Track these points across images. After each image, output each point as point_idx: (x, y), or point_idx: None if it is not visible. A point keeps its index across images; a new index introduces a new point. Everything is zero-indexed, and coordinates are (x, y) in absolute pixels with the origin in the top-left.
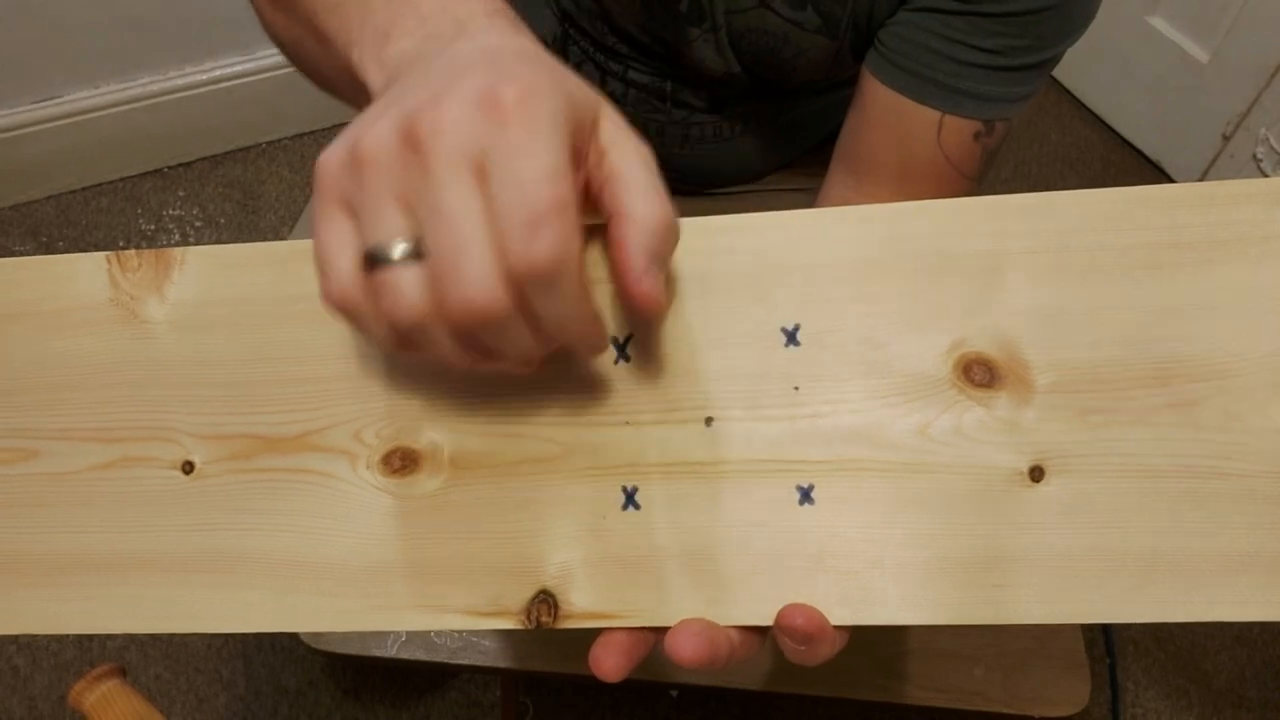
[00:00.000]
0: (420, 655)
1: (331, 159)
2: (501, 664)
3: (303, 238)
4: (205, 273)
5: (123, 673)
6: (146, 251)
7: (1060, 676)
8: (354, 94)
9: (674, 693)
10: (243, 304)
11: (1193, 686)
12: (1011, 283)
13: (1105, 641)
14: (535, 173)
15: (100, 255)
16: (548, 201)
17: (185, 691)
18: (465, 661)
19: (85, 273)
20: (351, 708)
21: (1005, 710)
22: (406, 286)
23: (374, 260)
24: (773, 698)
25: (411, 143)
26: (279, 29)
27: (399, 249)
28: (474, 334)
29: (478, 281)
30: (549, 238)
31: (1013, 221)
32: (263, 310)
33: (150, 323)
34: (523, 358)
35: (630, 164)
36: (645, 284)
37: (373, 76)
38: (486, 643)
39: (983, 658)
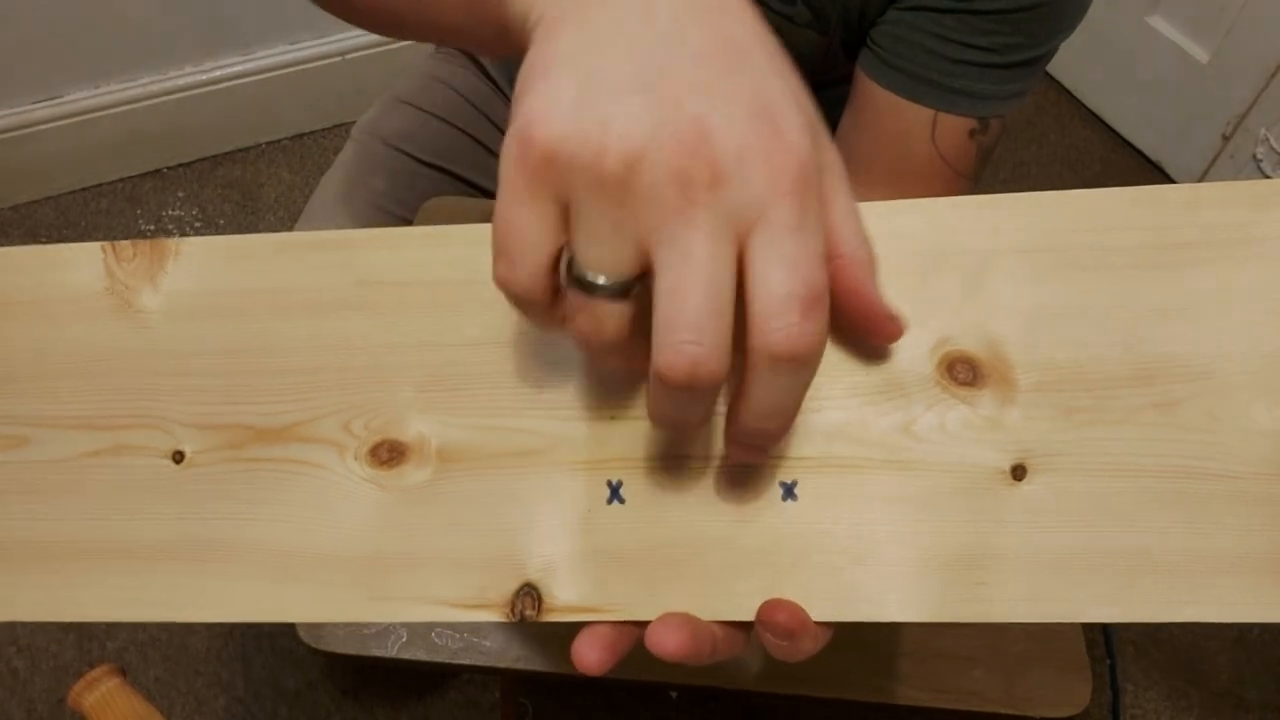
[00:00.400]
0: (420, 655)
1: (557, 128)
2: (501, 664)
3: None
4: (199, 263)
5: (122, 674)
6: (142, 242)
7: (1060, 677)
8: (482, 20)
9: (674, 694)
10: (236, 295)
11: (1193, 688)
12: (996, 282)
13: (1105, 642)
14: (808, 254)
15: (96, 245)
16: (821, 286)
17: (185, 692)
18: (465, 662)
19: (81, 262)
20: (351, 708)
21: (1005, 711)
22: (610, 320)
23: (581, 281)
24: (772, 699)
25: (685, 179)
26: None
27: (618, 284)
28: (667, 386)
29: (709, 345)
30: (818, 322)
31: (998, 221)
32: (256, 301)
33: (144, 312)
34: (682, 422)
35: (839, 193)
36: (898, 322)
37: None
38: (487, 643)
39: (982, 659)
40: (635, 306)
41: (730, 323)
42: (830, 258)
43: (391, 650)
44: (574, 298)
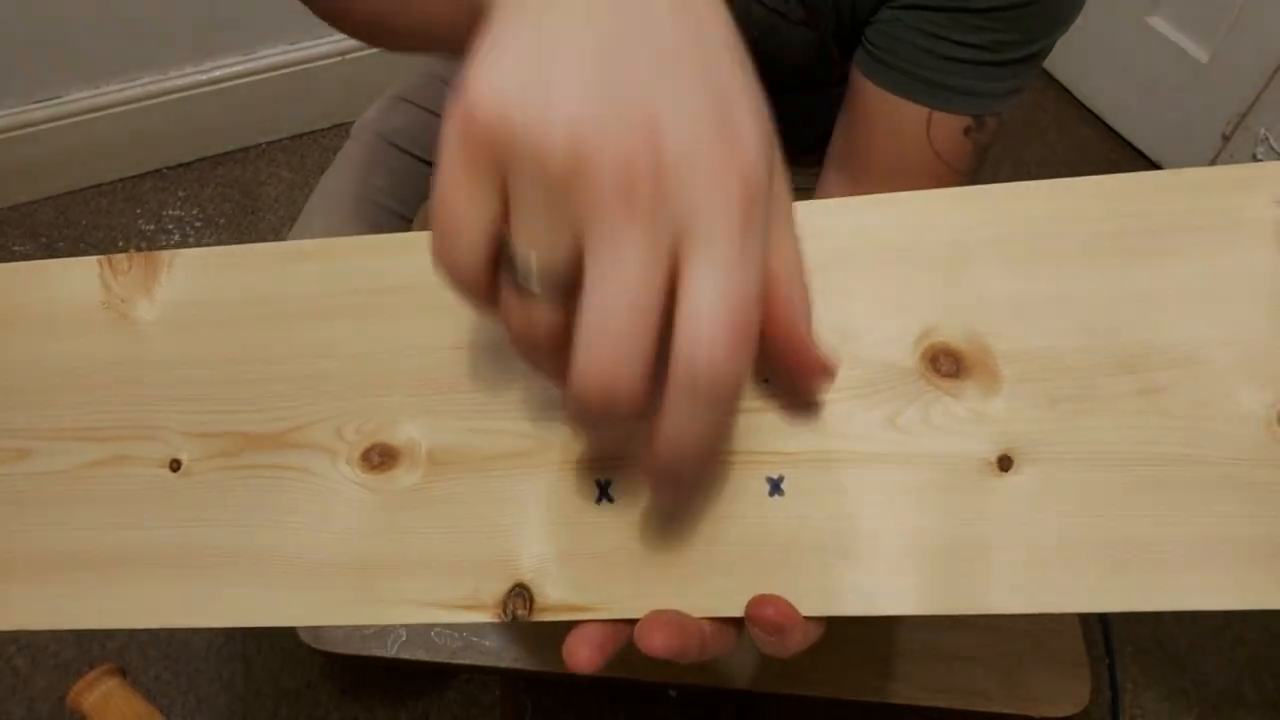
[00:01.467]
0: (420, 655)
1: (495, 94)
2: (501, 664)
3: (301, 237)
4: (192, 274)
5: (122, 673)
6: (137, 254)
7: (1060, 677)
8: (469, 23)
9: (673, 693)
10: (228, 305)
11: (1192, 687)
12: (978, 273)
13: (1105, 642)
14: (744, 282)
15: (93, 259)
16: (752, 321)
17: (185, 692)
18: (465, 661)
19: (78, 276)
20: (351, 708)
21: (1005, 710)
22: (542, 321)
23: (515, 270)
24: (772, 699)
25: (627, 180)
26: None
27: (551, 275)
28: (585, 402)
29: (627, 372)
30: (743, 358)
31: (978, 212)
32: (248, 310)
33: (140, 324)
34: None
35: (784, 225)
36: (829, 372)
37: None
38: (487, 643)
39: (982, 658)
40: (568, 314)
41: (654, 344)
42: (771, 301)
43: (391, 650)
44: (509, 292)
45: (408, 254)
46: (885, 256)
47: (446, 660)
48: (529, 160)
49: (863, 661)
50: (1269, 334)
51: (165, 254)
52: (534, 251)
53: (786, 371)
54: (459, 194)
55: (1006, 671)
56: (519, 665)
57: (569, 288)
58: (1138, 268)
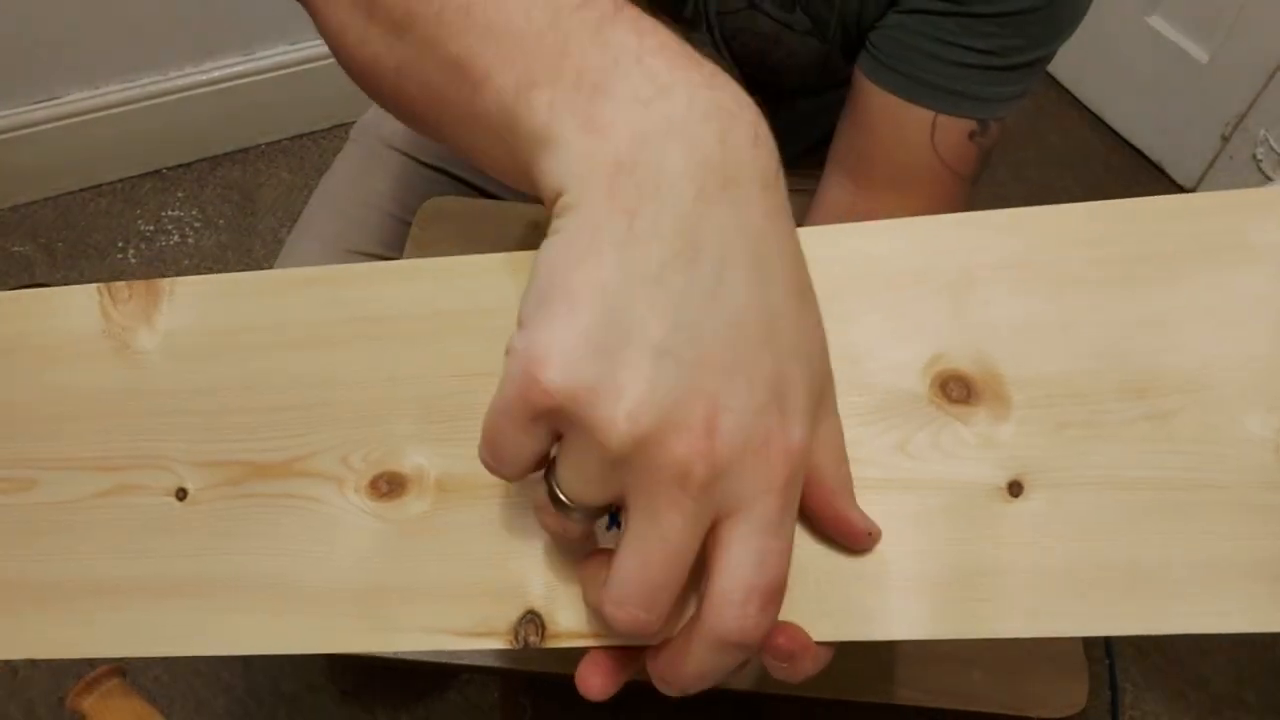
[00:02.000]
0: (420, 656)
1: (574, 381)
2: (501, 665)
3: (301, 239)
4: (194, 302)
5: (122, 674)
6: (136, 283)
7: (1059, 679)
8: (493, 144)
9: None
10: (231, 333)
11: (1191, 689)
12: (986, 299)
13: (1104, 643)
14: (778, 550)
15: (92, 287)
16: (782, 582)
17: (184, 693)
18: (465, 662)
19: (77, 305)
20: (351, 709)
21: (1004, 712)
22: (579, 528)
23: (556, 500)
24: (771, 700)
25: (678, 474)
26: (370, 52)
27: (586, 513)
28: (613, 622)
29: (657, 614)
30: (771, 615)
31: (987, 236)
32: (252, 339)
33: (142, 353)
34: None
35: (827, 413)
36: (874, 537)
37: (570, 135)
38: None
39: (981, 660)
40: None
41: (683, 583)
42: (815, 485)
43: (391, 650)
44: (545, 500)
45: (411, 282)
46: (895, 281)
47: (446, 660)
48: (589, 438)
49: (862, 664)
50: (1277, 358)
51: (165, 282)
52: (581, 500)
53: (829, 534)
54: (514, 434)
55: (1006, 673)
56: (519, 666)
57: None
58: (1146, 292)
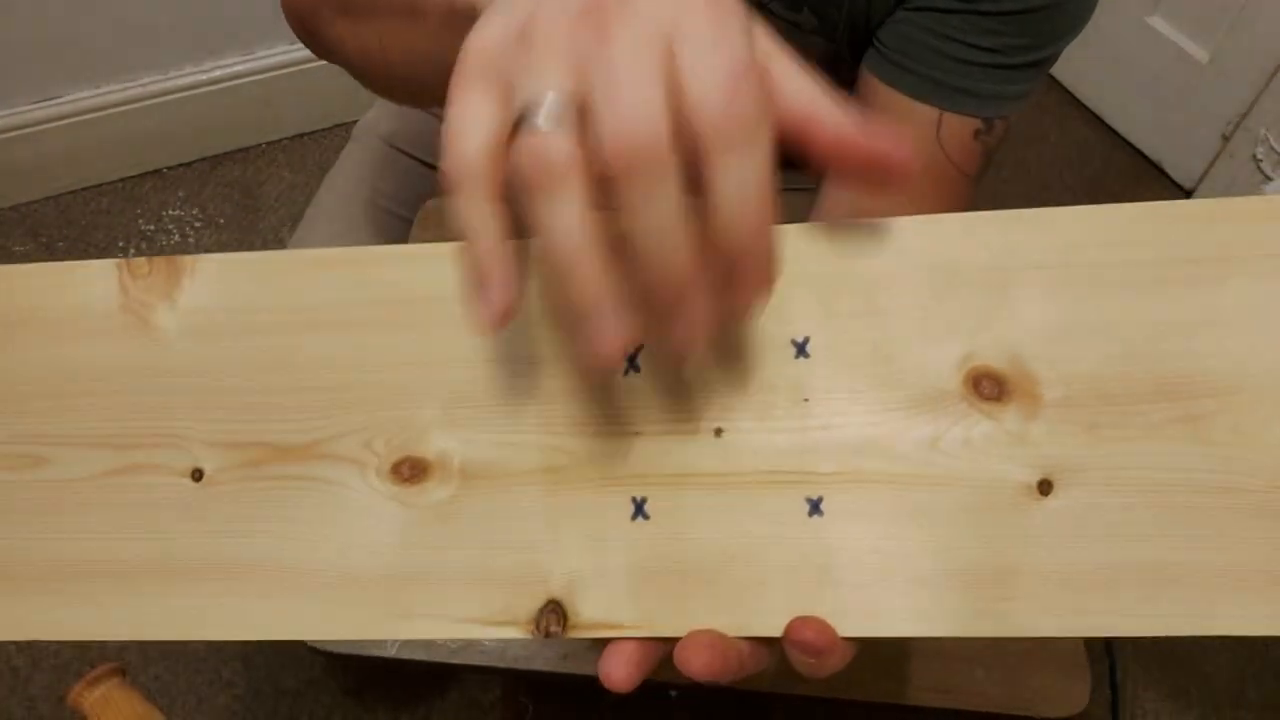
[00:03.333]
0: (420, 655)
1: (488, 33)
2: (501, 664)
3: (304, 239)
4: (216, 280)
5: (122, 673)
6: (157, 259)
7: (1060, 677)
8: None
9: (673, 693)
10: (254, 312)
11: (1193, 687)
12: (1020, 297)
13: (1105, 642)
14: (730, 57)
15: (111, 262)
16: (748, 60)
17: (185, 691)
18: (465, 662)
19: (96, 279)
20: (351, 708)
21: (1005, 711)
22: (554, 140)
23: (523, 120)
24: (772, 699)
25: (595, 11)
26: (348, 38)
27: (556, 104)
28: (622, 183)
29: (644, 111)
30: (751, 93)
31: (1022, 236)
32: (274, 319)
33: (161, 330)
34: (667, 243)
35: (794, 73)
36: (888, 140)
37: None
38: (487, 643)
39: (983, 659)
40: (581, 147)
41: (666, 102)
42: (780, 105)
43: (391, 650)
44: (516, 146)
45: (437, 264)
46: (929, 278)
47: (446, 660)
48: (514, 47)
49: (863, 662)
50: None
51: (187, 259)
52: (544, 86)
53: (842, 171)
54: (463, 106)
55: (1007, 672)
56: (519, 665)
57: (578, 121)
58: (1178, 295)
